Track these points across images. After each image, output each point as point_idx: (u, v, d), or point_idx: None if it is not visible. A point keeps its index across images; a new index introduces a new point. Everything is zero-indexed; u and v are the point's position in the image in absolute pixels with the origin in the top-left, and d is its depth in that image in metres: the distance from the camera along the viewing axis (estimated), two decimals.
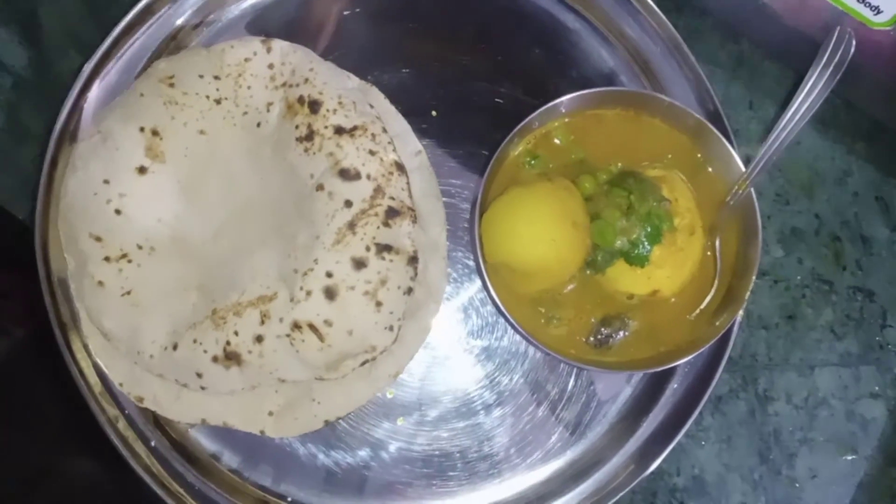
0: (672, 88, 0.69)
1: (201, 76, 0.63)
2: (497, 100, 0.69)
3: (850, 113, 0.72)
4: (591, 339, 0.62)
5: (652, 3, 0.68)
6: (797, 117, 0.60)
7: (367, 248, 0.58)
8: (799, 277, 0.71)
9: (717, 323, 0.60)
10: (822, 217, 0.72)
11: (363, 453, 0.64)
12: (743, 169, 0.61)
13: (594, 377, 0.66)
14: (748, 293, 0.59)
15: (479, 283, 0.67)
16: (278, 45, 0.63)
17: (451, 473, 0.65)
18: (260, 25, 0.68)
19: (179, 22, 0.68)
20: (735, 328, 0.64)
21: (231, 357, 0.58)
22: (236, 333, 0.58)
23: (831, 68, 0.59)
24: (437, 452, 0.65)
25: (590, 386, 0.66)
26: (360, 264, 0.58)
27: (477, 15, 0.69)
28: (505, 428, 0.65)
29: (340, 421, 0.63)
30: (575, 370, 0.66)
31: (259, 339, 0.57)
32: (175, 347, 0.59)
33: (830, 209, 0.72)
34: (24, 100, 0.71)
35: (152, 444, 0.63)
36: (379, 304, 0.58)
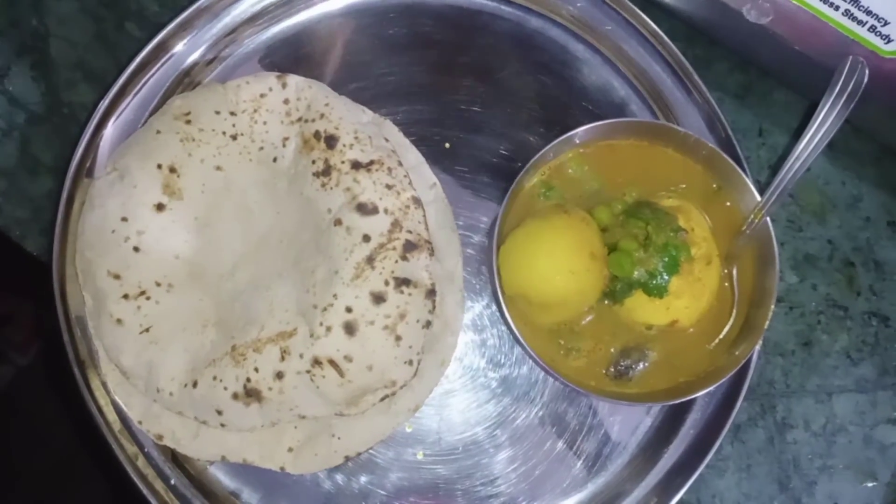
0: (683, 117, 0.69)
1: (217, 112, 0.63)
2: (509, 130, 0.69)
3: (859, 138, 0.72)
4: (611, 370, 0.61)
5: (662, 32, 0.68)
6: (812, 146, 0.60)
7: (386, 283, 0.58)
8: (814, 304, 0.71)
9: (737, 352, 0.60)
10: (834, 242, 0.72)
11: (384, 488, 0.64)
12: (758, 197, 0.61)
13: (613, 409, 0.66)
14: (767, 322, 0.59)
15: (496, 314, 0.67)
16: (293, 80, 0.64)
17: None
18: (273, 60, 0.69)
19: (193, 58, 0.68)
20: (754, 357, 0.64)
21: (251, 394, 0.57)
22: (256, 370, 0.57)
23: (844, 97, 0.59)
24: (458, 486, 0.64)
25: (609, 417, 0.66)
26: (379, 299, 0.58)
27: (489, 46, 0.70)
28: (524, 461, 0.65)
29: (360, 455, 0.63)
30: (594, 402, 0.66)
31: (279, 375, 0.57)
32: (195, 385, 0.59)
33: (843, 235, 0.72)
34: (36, 134, 0.71)
35: (172, 482, 0.63)
36: (398, 338, 0.58)
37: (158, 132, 0.62)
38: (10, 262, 0.73)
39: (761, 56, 0.70)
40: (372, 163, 0.61)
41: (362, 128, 0.62)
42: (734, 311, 0.62)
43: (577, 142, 0.63)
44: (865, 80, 0.59)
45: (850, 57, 0.60)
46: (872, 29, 0.60)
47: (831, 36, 0.62)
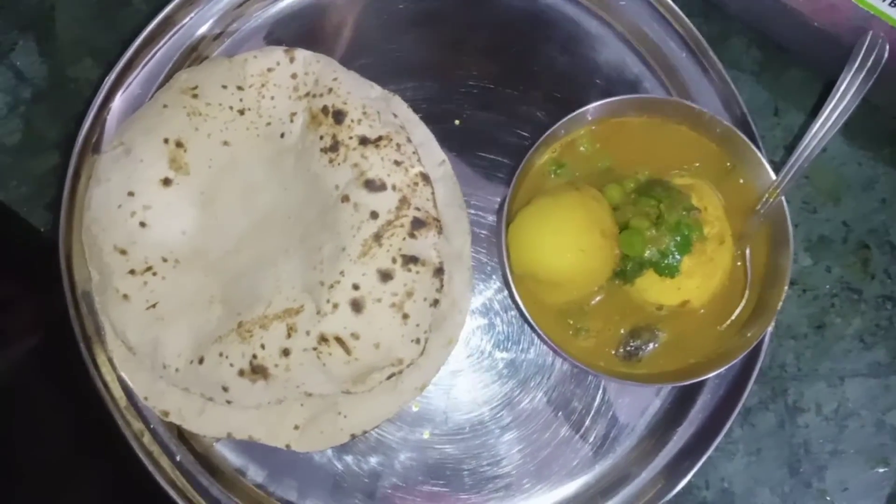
0: (697, 94, 0.68)
1: (224, 87, 0.62)
2: (520, 107, 0.68)
3: (876, 118, 0.71)
4: (621, 350, 0.61)
5: (677, 8, 0.67)
6: (829, 124, 0.59)
7: (394, 260, 0.58)
8: (827, 286, 0.70)
9: (749, 334, 0.59)
10: (849, 224, 0.71)
11: (390, 467, 0.64)
12: (773, 176, 0.60)
13: (622, 390, 0.65)
14: (780, 304, 0.59)
15: (504, 293, 0.66)
16: (301, 54, 0.63)
17: (483, 487, 0.64)
18: (281, 35, 0.68)
19: (200, 32, 0.67)
20: (766, 339, 0.63)
21: (257, 371, 0.57)
22: (263, 347, 0.57)
23: (863, 74, 0.58)
24: (465, 466, 0.64)
25: (618, 399, 0.65)
26: (386, 276, 0.57)
27: (500, 22, 0.69)
28: (531, 442, 0.64)
29: (366, 433, 0.62)
30: (602, 383, 0.65)
31: (286, 352, 0.57)
32: (201, 361, 0.58)
33: (858, 216, 0.71)
34: (41, 109, 0.71)
35: (177, 458, 0.63)
36: (406, 316, 0.58)
37: (165, 106, 0.62)
38: (16, 237, 0.73)
39: (779, 32, 0.69)
40: (380, 139, 0.60)
41: (371, 103, 0.62)
42: (746, 291, 0.61)
43: (589, 118, 0.62)
44: (885, 56, 0.58)
45: (870, 33, 0.59)
46: (893, 4, 0.59)
47: (850, 11, 0.60)
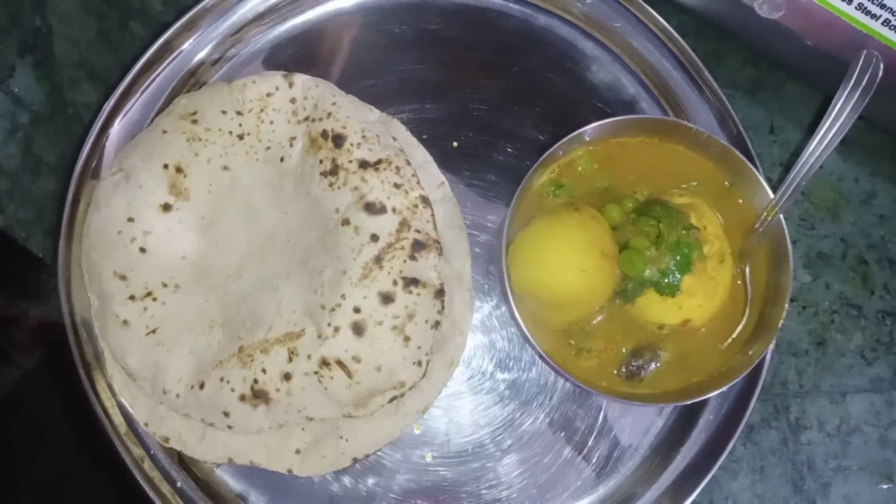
0: (693, 113, 0.69)
1: (224, 112, 0.62)
2: (518, 128, 0.68)
3: (872, 133, 0.71)
4: (623, 370, 0.61)
5: (671, 28, 0.68)
6: (826, 142, 0.59)
7: (395, 283, 0.58)
8: (827, 302, 0.70)
9: (751, 352, 0.59)
10: (848, 240, 0.71)
11: (391, 490, 0.63)
12: (771, 195, 0.60)
13: (625, 410, 0.65)
14: (781, 321, 0.58)
15: (505, 315, 0.66)
16: (300, 79, 0.63)
17: None
18: (280, 59, 0.68)
19: (199, 57, 0.68)
20: (767, 357, 0.63)
21: (259, 395, 0.57)
22: (264, 371, 0.57)
23: (859, 92, 0.59)
24: (470, 487, 0.64)
25: (620, 419, 0.65)
26: (387, 299, 0.57)
27: (496, 44, 0.69)
28: (533, 464, 0.64)
29: (368, 457, 0.62)
30: (604, 403, 0.65)
31: (287, 376, 0.57)
32: (201, 386, 0.58)
33: (856, 232, 0.71)
34: (39, 134, 0.71)
35: (178, 484, 0.62)
36: (407, 339, 0.58)
37: (164, 132, 0.62)
38: (15, 262, 0.73)
39: (773, 50, 0.69)
40: (380, 162, 0.60)
41: (370, 126, 0.62)
42: (747, 310, 0.61)
43: (587, 139, 0.62)
44: (880, 74, 0.58)
45: (865, 51, 0.59)
46: (887, 23, 0.59)
47: (845, 30, 0.61)
